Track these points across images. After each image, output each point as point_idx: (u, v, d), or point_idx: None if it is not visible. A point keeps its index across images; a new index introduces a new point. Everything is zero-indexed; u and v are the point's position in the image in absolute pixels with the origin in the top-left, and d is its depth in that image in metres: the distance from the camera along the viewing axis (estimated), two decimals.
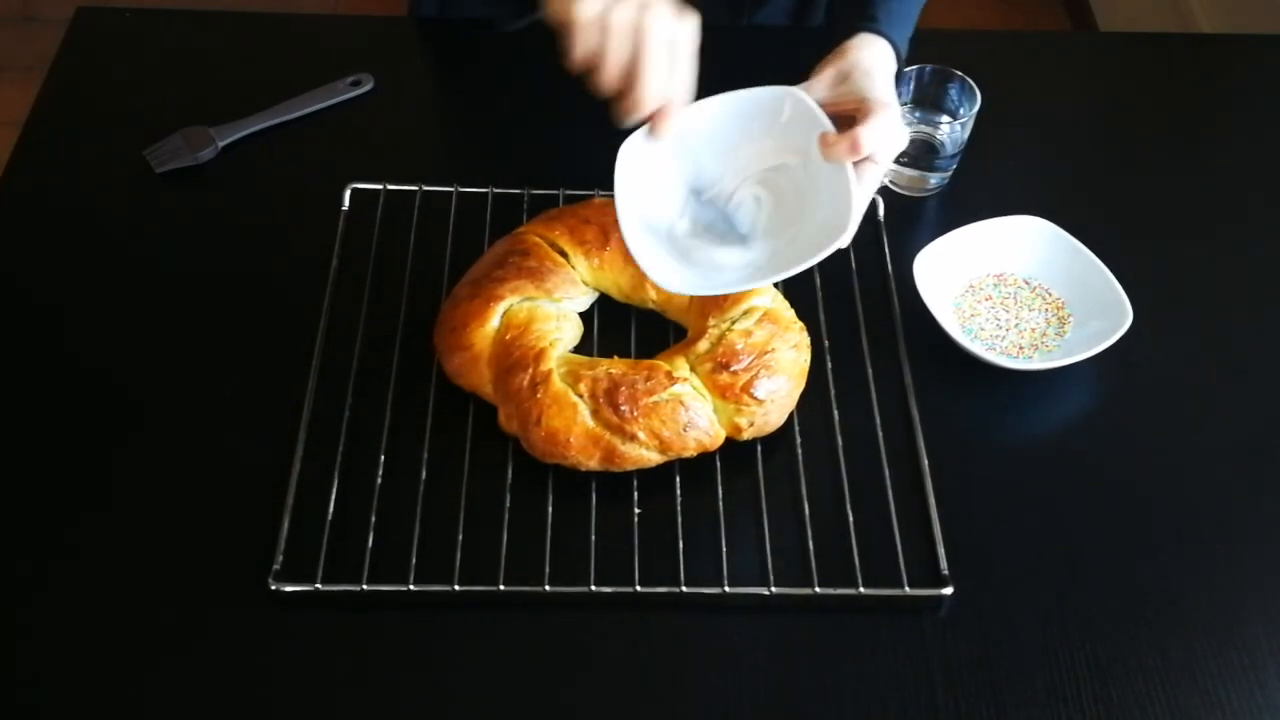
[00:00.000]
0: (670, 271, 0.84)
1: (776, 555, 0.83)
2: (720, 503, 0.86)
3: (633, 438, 0.84)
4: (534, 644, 0.80)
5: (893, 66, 0.92)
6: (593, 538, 0.83)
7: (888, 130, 0.82)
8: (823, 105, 0.84)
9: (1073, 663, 0.80)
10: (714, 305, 0.90)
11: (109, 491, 0.85)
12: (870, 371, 0.93)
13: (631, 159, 0.83)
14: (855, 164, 0.82)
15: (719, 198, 0.86)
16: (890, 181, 1.07)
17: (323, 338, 0.93)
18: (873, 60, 0.89)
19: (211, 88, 1.14)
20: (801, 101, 0.84)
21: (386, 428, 0.88)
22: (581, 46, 0.77)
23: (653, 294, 0.94)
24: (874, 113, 0.82)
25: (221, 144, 1.07)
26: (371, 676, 0.78)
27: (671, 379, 0.85)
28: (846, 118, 0.84)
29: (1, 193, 1.04)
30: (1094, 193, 1.11)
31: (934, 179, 1.07)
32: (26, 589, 0.81)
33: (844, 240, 0.80)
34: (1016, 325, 0.97)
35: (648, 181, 0.85)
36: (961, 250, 0.99)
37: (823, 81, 0.88)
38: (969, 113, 1.02)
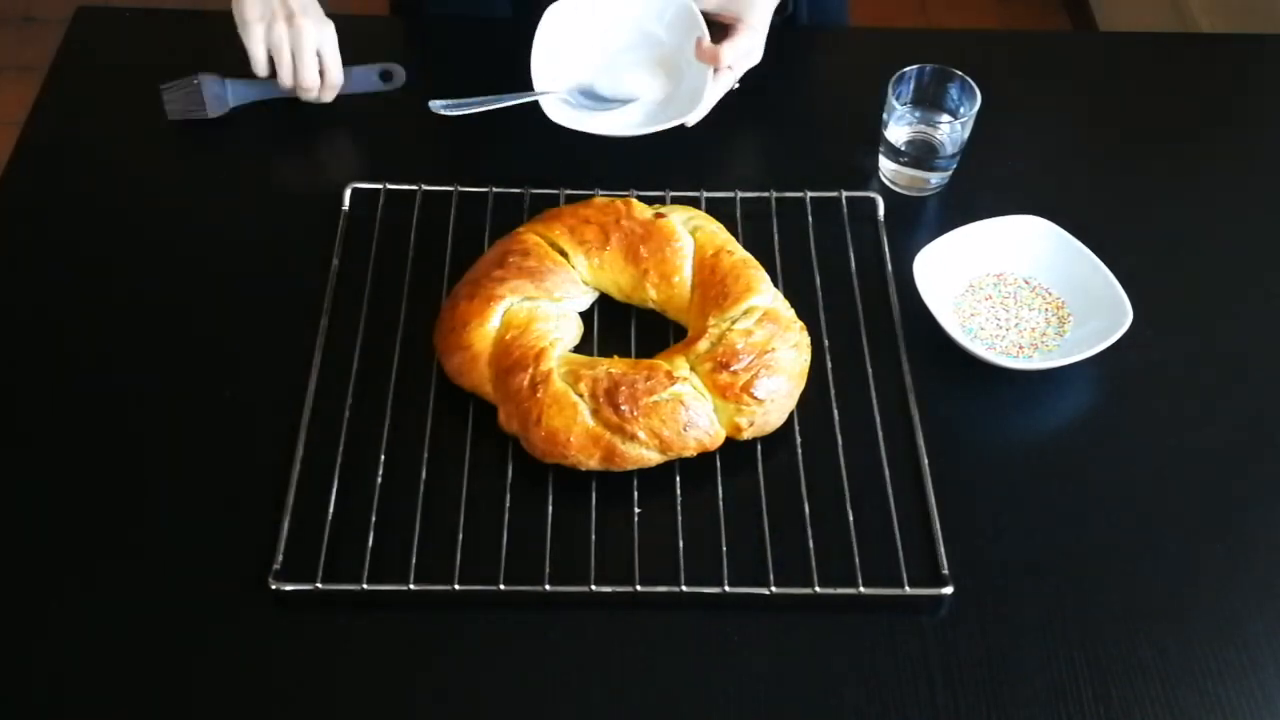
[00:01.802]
0: (562, 109, 1.04)
1: (776, 555, 0.83)
2: (720, 503, 0.86)
3: (633, 437, 0.84)
4: (534, 644, 0.80)
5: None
6: (593, 538, 0.83)
7: (746, 49, 1.05)
8: (707, 15, 1.06)
9: (1073, 663, 0.80)
10: (714, 305, 0.90)
11: (108, 491, 0.85)
12: (870, 371, 0.93)
13: (549, 26, 1.06)
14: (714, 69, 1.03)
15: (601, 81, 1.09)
16: (890, 181, 1.07)
17: (323, 338, 0.93)
18: None
19: None
20: (686, 5, 1.07)
21: (386, 428, 0.88)
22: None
23: (653, 294, 0.94)
24: (739, 33, 1.04)
25: (232, 104, 1.09)
26: (371, 676, 0.78)
27: (671, 379, 0.85)
28: (723, 27, 1.06)
29: (1, 193, 1.04)
30: (1094, 193, 1.11)
31: (934, 179, 1.07)
32: (25, 588, 0.81)
33: (690, 119, 1.02)
34: (1016, 325, 0.97)
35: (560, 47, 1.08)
36: (961, 250, 0.99)
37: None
38: (969, 113, 1.02)
